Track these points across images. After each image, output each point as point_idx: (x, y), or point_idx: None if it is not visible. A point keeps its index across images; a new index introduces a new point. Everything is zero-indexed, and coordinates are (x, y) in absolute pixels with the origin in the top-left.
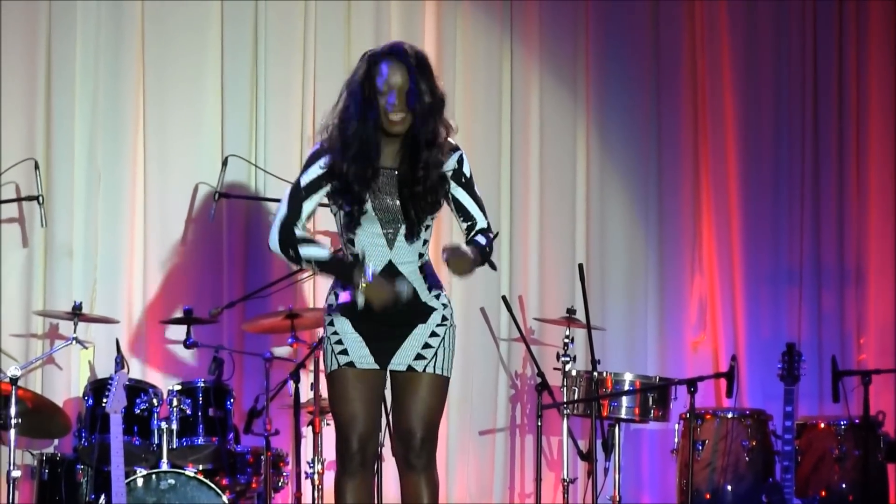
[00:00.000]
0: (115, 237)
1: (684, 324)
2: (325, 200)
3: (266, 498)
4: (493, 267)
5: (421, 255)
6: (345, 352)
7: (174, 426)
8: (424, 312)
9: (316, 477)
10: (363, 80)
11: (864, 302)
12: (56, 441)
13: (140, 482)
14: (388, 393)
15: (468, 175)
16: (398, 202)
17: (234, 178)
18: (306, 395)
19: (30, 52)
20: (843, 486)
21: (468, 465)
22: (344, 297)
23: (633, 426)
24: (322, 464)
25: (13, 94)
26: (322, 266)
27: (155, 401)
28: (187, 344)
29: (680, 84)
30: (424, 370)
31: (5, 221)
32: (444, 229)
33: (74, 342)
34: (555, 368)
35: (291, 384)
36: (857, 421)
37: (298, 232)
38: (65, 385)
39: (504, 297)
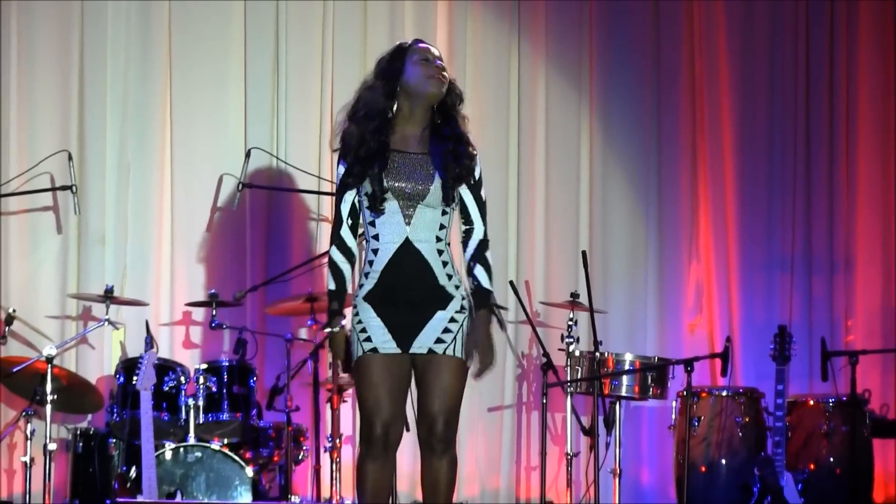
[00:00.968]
0: (145, 225)
1: (682, 307)
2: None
3: (287, 470)
4: (501, 323)
5: (439, 240)
6: (369, 339)
7: (200, 403)
8: (443, 299)
9: (334, 450)
10: (394, 60)
11: (852, 287)
12: (89, 416)
13: (168, 455)
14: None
15: (477, 177)
16: (419, 185)
17: (257, 170)
18: (325, 373)
19: (63, 51)
20: (831, 459)
21: (478, 440)
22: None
23: (633, 403)
24: (340, 438)
25: (48, 91)
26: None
27: (182, 379)
28: (213, 325)
29: (679, 81)
30: (444, 353)
31: (41, 210)
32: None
33: (106, 323)
34: (559, 349)
35: (311, 363)
36: (844, 399)
37: (347, 241)
38: (97, 364)
39: (511, 282)
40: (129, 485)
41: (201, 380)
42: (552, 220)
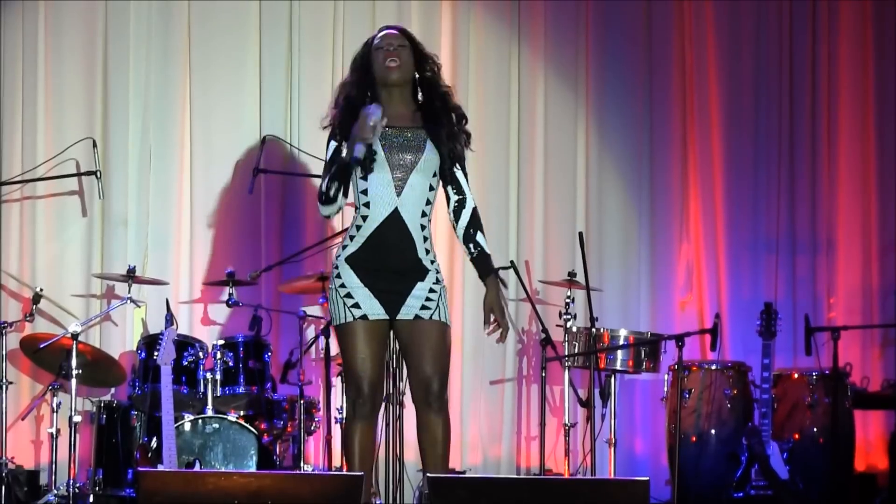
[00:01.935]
0: (165, 208)
1: (673, 286)
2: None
3: (300, 440)
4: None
5: (424, 214)
6: (357, 305)
7: (218, 377)
8: (421, 271)
9: (344, 422)
10: (362, 54)
11: (834, 267)
12: (112, 390)
13: (188, 426)
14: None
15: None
16: (410, 157)
17: (272, 156)
18: (336, 348)
19: (89, 45)
20: (815, 429)
21: (480, 411)
22: (357, 151)
23: (627, 377)
24: None
25: (74, 82)
26: (341, 164)
27: (201, 354)
28: (229, 303)
29: (670, 75)
30: (430, 318)
31: (67, 194)
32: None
33: (129, 301)
34: (557, 325)
35: (322, 339)
36: (826, 372)
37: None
38: (120, 340)
39: (512, 262)
40: (150, 455)
41: (219, 355)
42: (550, 204)
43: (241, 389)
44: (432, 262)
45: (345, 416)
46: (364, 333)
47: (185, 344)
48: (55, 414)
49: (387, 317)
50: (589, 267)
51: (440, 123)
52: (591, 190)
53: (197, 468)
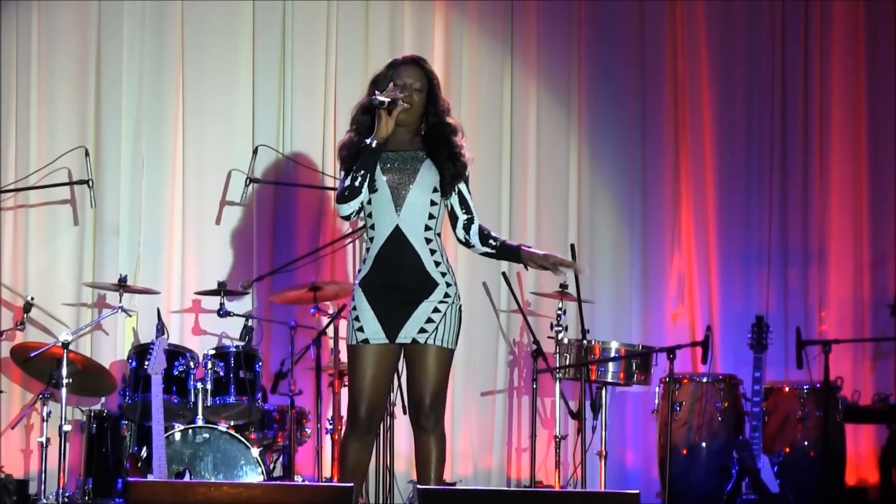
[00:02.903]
0: (157, 217)
1: (664, 298)
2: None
3: (290, 451)
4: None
5: (428, 228)
6: (361, 329)
7: (208, 386)
8: (429, 285)
9: (335, 433)
10: (385, 74)
11: (826, 279)
12: (103, 399)
13: (178, 436)
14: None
15: (468, 173)
16: (407, 174)
17: (264, 166)
18: (327, 359)
19: (81, 52)
20: (806, 443)
21: (471, 422)
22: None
23: (619, 389)
24: (341, 420)
25: (67, 90)
26: (367, 152)
27: (191, 363)
28: (221, 313)
29: (663, 83)
30: (426, 342)
31: (59, 203)
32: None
33: (120, 311)
34: (549, 337)
35: (314, 349)
36: (818, 385)
37: None
38: (111, 349)
39: (504, 274)
40: (140, 464)
41: (209, 365)
42: (542, 215)
43: (232, 399)
44: (443, 274)
45: (342, 432)
46: (368, 356)
47: (175, 353)
48: (45, 423)
49: (387, 340)
50: (580, 279)
51: (440, 145)
52: (583, 201)
53: (187, 478)
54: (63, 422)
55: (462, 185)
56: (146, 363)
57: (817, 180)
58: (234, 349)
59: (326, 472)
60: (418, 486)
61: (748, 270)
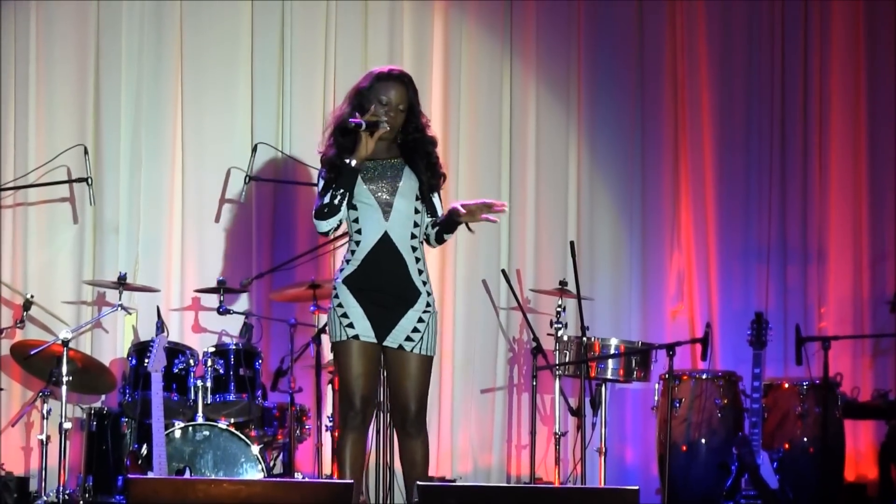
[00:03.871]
0: (157, 215)
1: (664, 295)
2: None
3: (290, 448)
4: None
5: (413, 236)
6: (351, 325)
7: (208, 384)
8: (414, 293)
9: (335, 430)
10: (368, 87)
11: (825, 277)
12: (103, 397)
13: (178, 433)
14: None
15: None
16: (390, 183)
17: (263, 164)
18: (326, 356)
19: (80, 51)
20: (805, 439)
21: (471, 419)
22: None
23: (618, 386)
24: None
25: (66, 89)
26: (346, 172)
27: (191, 361)
28: (220, 311)
29: (662, 82)
30: (412, 351)
31: (58, 201)
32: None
33: (120, 309)
34: (548, 334)
35: (313, 347)
36: (817, 382)
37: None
38: (111, 347)
39: (503, 271)
40: (140, 462)
41: (209, 362)
42: (542, 213)
43: (232, 397)
44: (424, 283)
45: (338, 428)
46: (358, 352)
47: (175, 351)
48: (45, 420)
49: (375, 340)
50: (580, 276)
51: (419, 155)
52: (583, 199)
53: (187, 475)
54: (63, 419)
55: (436, 196)
56: (146, 361)
57: (817, 178)
58: (234, 347)
59: (326, 470)
60: (418, 483)
61: (748, 268)
